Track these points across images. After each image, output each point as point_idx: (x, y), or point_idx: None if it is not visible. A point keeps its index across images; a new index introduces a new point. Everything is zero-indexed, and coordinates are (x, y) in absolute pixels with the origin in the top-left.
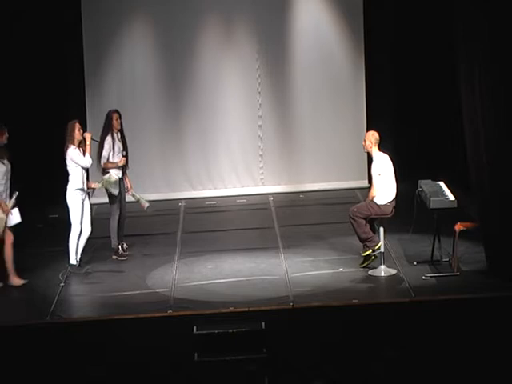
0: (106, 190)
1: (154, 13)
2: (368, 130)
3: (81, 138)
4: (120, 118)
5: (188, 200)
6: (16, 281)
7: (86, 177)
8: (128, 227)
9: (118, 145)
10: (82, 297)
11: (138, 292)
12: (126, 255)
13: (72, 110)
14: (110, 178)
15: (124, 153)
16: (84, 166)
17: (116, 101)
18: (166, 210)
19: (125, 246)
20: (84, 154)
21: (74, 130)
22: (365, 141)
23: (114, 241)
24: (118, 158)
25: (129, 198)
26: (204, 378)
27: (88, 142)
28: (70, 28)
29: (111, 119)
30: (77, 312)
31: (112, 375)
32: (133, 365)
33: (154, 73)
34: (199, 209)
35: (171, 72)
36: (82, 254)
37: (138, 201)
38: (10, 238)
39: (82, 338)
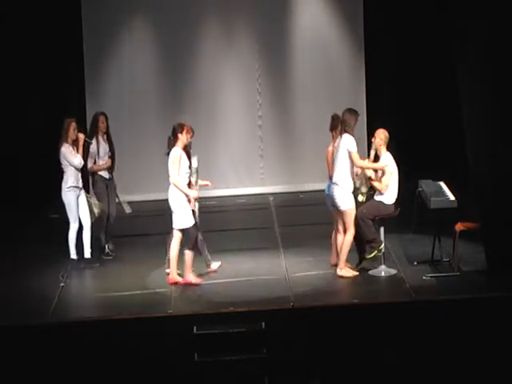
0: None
1: (154, 13)
2: (368, 129)
3: (74, 137)
4: (107, 120)
5: None
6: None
7: (79, 175)
8: (128, 227)
9: (104, 147)
10: (82, 297)
11: (137, 292)
12: (112, 256)
13: (72, 110)
14: (95, 204)
15: (109, 154)
16: (75, 165)
17: (116, 101)
18: (166, 210)
19: (111, 246)
20: (76, 154)
21: (69, 129)
22: (375, 137)
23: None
24: (102, 161)
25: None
26: (204, 378)
27: (81, 143)
28: (70, 28)
29: (97, 121)
30: (77, 312)
31: (112, 375)
32: (133, 365)
33: (154, 72)
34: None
35: (171, 72)
36: (91, 247)
37: (120, 204)
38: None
39: (82, 338)
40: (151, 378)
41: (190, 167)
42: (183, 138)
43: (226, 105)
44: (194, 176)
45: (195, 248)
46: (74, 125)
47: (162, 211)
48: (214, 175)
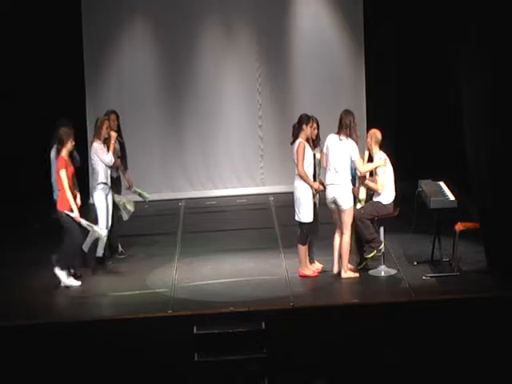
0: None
1: (154, 13)
2: (368, 129)
3: (106, 135)
4: (118, 119)
5: (188, 200)
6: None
7: (109, 172)
8: (128, 227)
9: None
10: (82, 297)
11: (138, 292)
12: (125, 255)
13: (72, 111)
14: (128, 202)
15: (119, 153)
16: (106, 162)
17: (116, 101)
18: (166, 210)
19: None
20: (108, 152)
21: (101, 127)
22: (367, 137)
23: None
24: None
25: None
26: (204, 378)
27: (112, 141)
28: (70, 28)
29: (108, 120)
30: (77, 312)
31: (112, 375)
32: (133, 365)
33: (154, 73)
34: (199, 209)
35: (171, 72)
36: (104, 248)
37: (139, 195)
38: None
39: (82, 338)
40: (151, 378)
41: (314, 158)
42: (307, 130)
43: (225, 105)
44: (317, 168)
45: (307, 242)
46: (107, 123)
47: (162, 211)
48: (214, 175)
